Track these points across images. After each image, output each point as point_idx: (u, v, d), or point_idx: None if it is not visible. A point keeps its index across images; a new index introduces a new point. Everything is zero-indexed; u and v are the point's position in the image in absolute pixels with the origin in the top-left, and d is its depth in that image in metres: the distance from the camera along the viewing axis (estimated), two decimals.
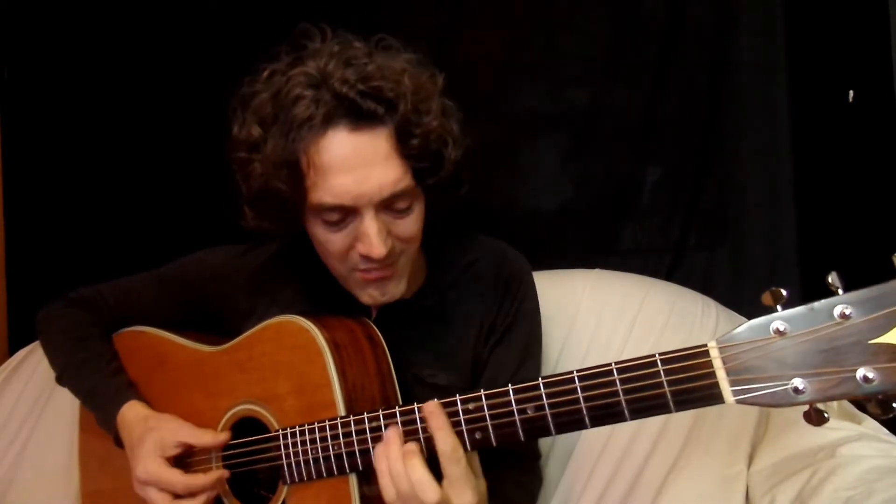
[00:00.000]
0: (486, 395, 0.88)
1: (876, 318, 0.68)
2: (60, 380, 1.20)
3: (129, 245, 1.89)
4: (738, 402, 0.74)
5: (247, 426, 1.07)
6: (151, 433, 1.07)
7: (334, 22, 1.01)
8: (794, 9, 1.56)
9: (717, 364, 0.75)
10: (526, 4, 1.71)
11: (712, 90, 1.61)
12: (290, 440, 1.00)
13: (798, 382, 0.71)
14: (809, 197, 1.55)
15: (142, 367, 1.18)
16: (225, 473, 1.06)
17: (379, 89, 0.94)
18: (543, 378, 0.85)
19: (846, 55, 1.43)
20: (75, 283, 1.27)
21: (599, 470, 1.25)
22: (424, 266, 1.16)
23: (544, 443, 1.26)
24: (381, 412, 0.94)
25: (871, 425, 1.12)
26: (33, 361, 1.65)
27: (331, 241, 1.00)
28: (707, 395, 0.75)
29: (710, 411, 1.21)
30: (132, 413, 1.11)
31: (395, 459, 0.89)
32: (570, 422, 0.83)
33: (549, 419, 0.84)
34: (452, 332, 1.12)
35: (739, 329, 0.74)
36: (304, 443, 0.99)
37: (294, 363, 1.02)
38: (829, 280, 0.70)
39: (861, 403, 0.71)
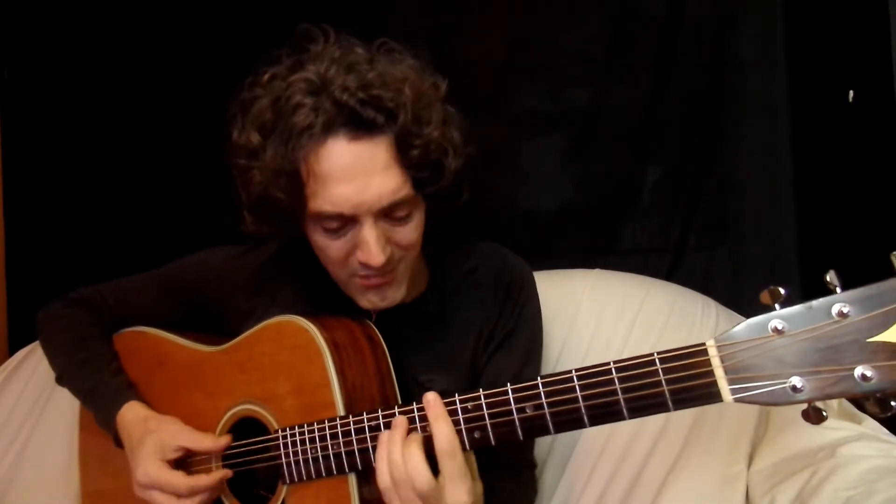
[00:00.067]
0: (484, 394, 0.88)
1: (874, 316, 0.68)
2: (61, 380, 1.20)
3: (129, 245, 1.90)
4: (737, 400, 0.74)
5: (246, 426, 1.07)
6: (151, 435, 1.07)
7: (334, 22, 1.01)
8: (794, 8, 1.56)
9: (716, 363, 0.74)
10: (526, 4, 1.71)
11: (712, 90, 1.62)
12: (289, 440, 1.00)
13: (796, 381, 0.71)
14: (809, 197, 1.55)
15: (142, 368, 1.18)
16: (228, 473, 1.06)
17: (379, 98, 0.93)
18: (542, 377, 0.85)
19: (846, 55, 1.43)
20: (75, 283, 1.27)
21: (600, 469, 1.25)
22: (427, 271, 1.16)
23: (544, 442, 1.27)
24: (380, 412, 0.94)
25: (871, 425, 1.12)
26: (33, 361, 1.65)
27: (330, 247, 1.00)
28: (705, 394, 0.75)
29: (711, 411, 1.21)
30: (132, 414, 1.11)
31: (395, 443, 0.89)
32: (569, 421, 0.83)
33: (548, 418, 0.84)
34: (452, 337, 1.12)
35: (738, 328, 0.74)
36: (303, 442, 0.99)
37: (294, 363, 1.02)
38: (828, 278, 0.70)
39: (859, 402, 0.71)
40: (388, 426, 0.92)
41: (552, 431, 0.85)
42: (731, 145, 1.63)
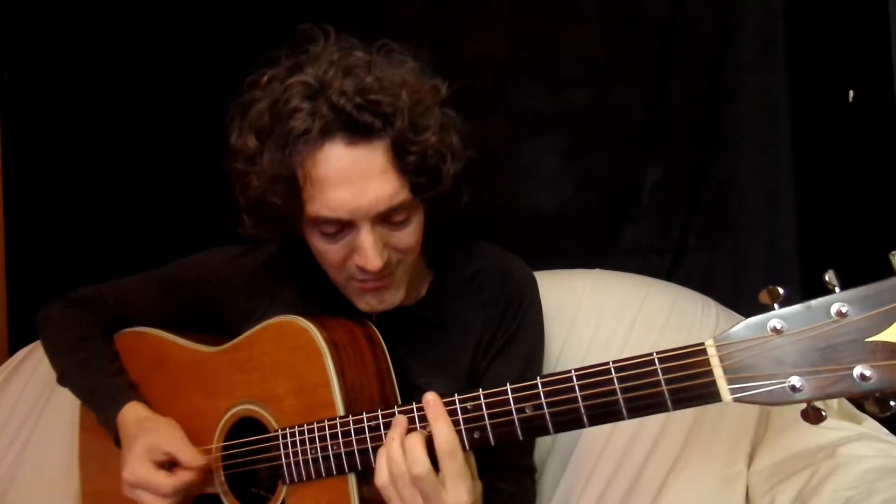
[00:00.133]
0: (484, 394, 0.88)
1: (873, 315, 0.68)
2: (62, 380, 1.20)
3: (129, 245, 1.90)
4: (736, 400, 0.74)
5: (246, 426, 1.07)
6: (145, 435, 1.07)
7: (334, 22, 1.01)
8: (794, 8, 1.56)
9: (715, 362, 0.74)
10: (526, 4, 1.71)
11: (712, 89, 1.62)
12: (289, 440, 1.00)
13: (795, 380, 0.71)
14: (809, 197, 1.55)
15: (142, 368, 1.19)
16: (209, 461, 1.06)
17: (377, 103, 0.93)
18: (542, 377, 0.85)
19: (846, 55, 1.43)
20: (75, 283, 1.27)
21: (600, 469, 1.25)
22: (427, 273, 1.16)
23: (544, 442, 1.26)
24: (380, 412, 0.94)
25: (871, 425, 1.12)
26: (33, 361, 1.65)
27: (328, 251, 1.00)
28: (704, 394, 0.75)
29: (710, 411, 1.21)
30: (132, 414, 1.11)
31: (395, 439, 0.89)
32: (569, 421, 0.83)
33: (548, 418, 0.84)
34: (451, 341, 1.11)
35: (736, 328, 0.74)
36: (303, 443, 0.99)
37: (293, 363, 1.02)
38: (826, 278, 0.70)
39: (859, 401, 0.71)
40: (387, 426, 0.92)
41: (552, 431, 0.85)
42: (731, 145, 1.62)
